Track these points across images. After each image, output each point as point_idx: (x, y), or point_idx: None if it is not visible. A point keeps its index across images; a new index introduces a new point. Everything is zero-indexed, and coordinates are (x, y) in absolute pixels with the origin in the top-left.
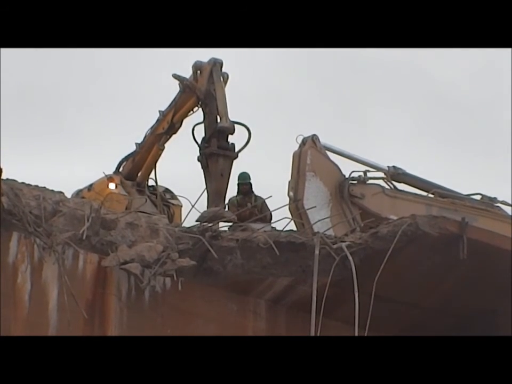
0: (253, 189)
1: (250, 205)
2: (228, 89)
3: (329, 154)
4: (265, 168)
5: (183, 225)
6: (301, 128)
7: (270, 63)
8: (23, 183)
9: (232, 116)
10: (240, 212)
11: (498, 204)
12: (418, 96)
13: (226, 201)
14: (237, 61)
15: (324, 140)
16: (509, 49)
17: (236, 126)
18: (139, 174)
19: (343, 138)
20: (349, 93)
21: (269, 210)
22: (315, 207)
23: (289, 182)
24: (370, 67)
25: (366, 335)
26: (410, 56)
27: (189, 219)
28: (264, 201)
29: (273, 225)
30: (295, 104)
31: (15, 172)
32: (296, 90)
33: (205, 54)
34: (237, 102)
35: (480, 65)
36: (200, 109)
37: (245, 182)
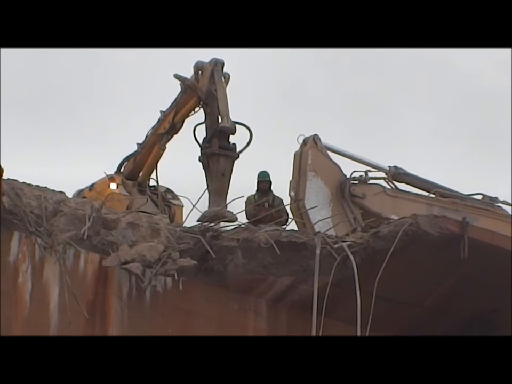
0: (272, 188)
1: (267, 204)
2: (229, 89)
3: (330, 154)
4: (267, 168)
5: (184, 225)
6: (303, 129)
7: (271, 63)
8: (24, 182)
9: (233, 116)
10: (257, 211)
11: (499, 204)
12: (417, 96)
13: (245, 198)
14: (238, 61)
15: (324, 139)
16: (508, 49)
17: (237, 126)
18: (140, 174)
19: (345, 137)
20: (351, 93)
21: (286, 211)
22: (316, 206)
23: (290, 182)
24: (370, 66)
25: (367, 334)
26: (411, 55)
27: (190, 219)
28: (282, 202)
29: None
30: (297, 104)
31: (16, 172)
32: (298, 90)
33: (206, 54)
34: (238, 102)
35: (484, 64)
36: (202, 109)
37: (264, 179)
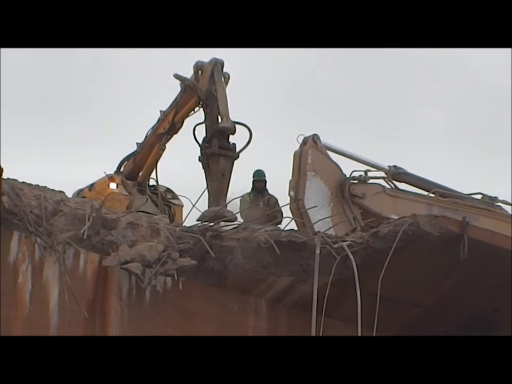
0: (267, 187)
1: (262, 204)
2: (229, 89)
3: (330, 153)
4: (267, 168)
5: (184, 224)
6: (302, 128)
7: (272, 63)
8: (23, 182)
9: (233, 116)
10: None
11: (499, 204)
12: (417, 96)
13: (241, 196)
14: (238, 61)
15: (324, 139)
16: (508, 49)
17: (237, 126)
18: (140, 174)
19: (345, 137)
20: (351, 93)
21: (281, 210)
22: (316, 206)
23: (290, 181)
24: (371, 66)
25: (374, 335)
26: (411, 55)
27: (190, 219)
28: (277, 201)
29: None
30: (297, 104)
31: (16, 172)
32: (298, 90)
33: (206, 54)
34: (238, 102)
35: (485, 64)
36: (201, 109)
37: (260, 179)
